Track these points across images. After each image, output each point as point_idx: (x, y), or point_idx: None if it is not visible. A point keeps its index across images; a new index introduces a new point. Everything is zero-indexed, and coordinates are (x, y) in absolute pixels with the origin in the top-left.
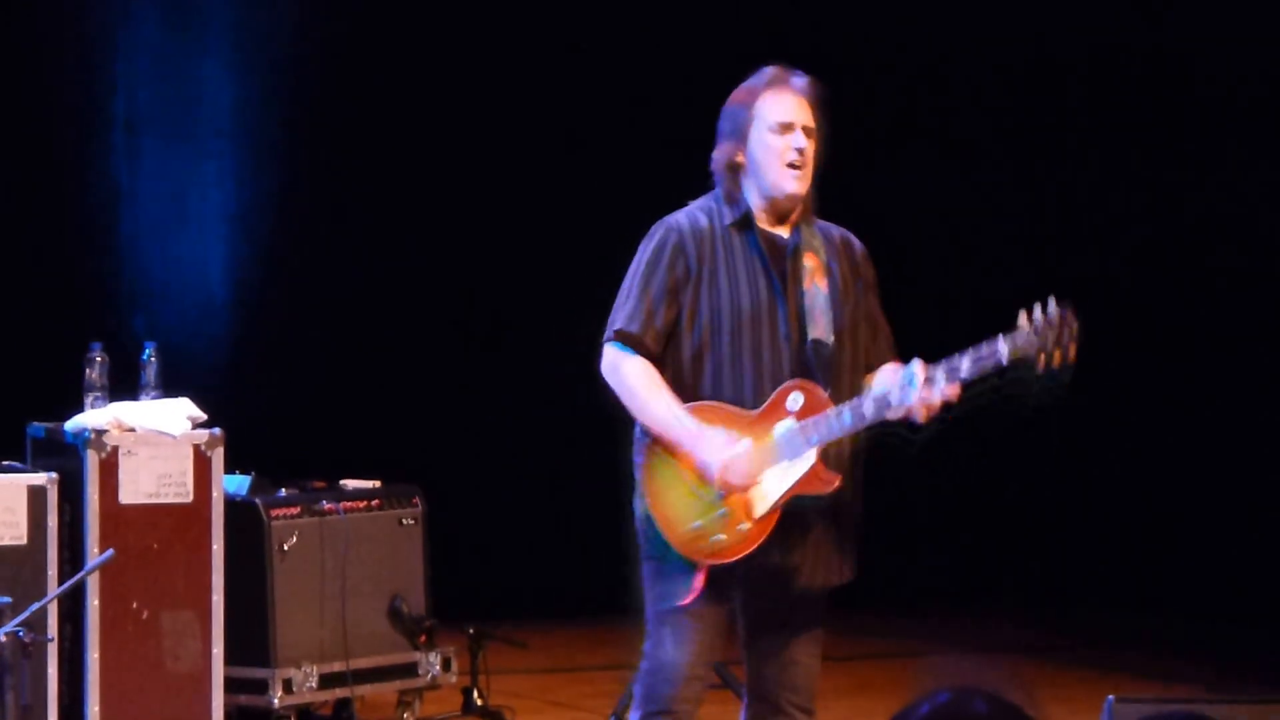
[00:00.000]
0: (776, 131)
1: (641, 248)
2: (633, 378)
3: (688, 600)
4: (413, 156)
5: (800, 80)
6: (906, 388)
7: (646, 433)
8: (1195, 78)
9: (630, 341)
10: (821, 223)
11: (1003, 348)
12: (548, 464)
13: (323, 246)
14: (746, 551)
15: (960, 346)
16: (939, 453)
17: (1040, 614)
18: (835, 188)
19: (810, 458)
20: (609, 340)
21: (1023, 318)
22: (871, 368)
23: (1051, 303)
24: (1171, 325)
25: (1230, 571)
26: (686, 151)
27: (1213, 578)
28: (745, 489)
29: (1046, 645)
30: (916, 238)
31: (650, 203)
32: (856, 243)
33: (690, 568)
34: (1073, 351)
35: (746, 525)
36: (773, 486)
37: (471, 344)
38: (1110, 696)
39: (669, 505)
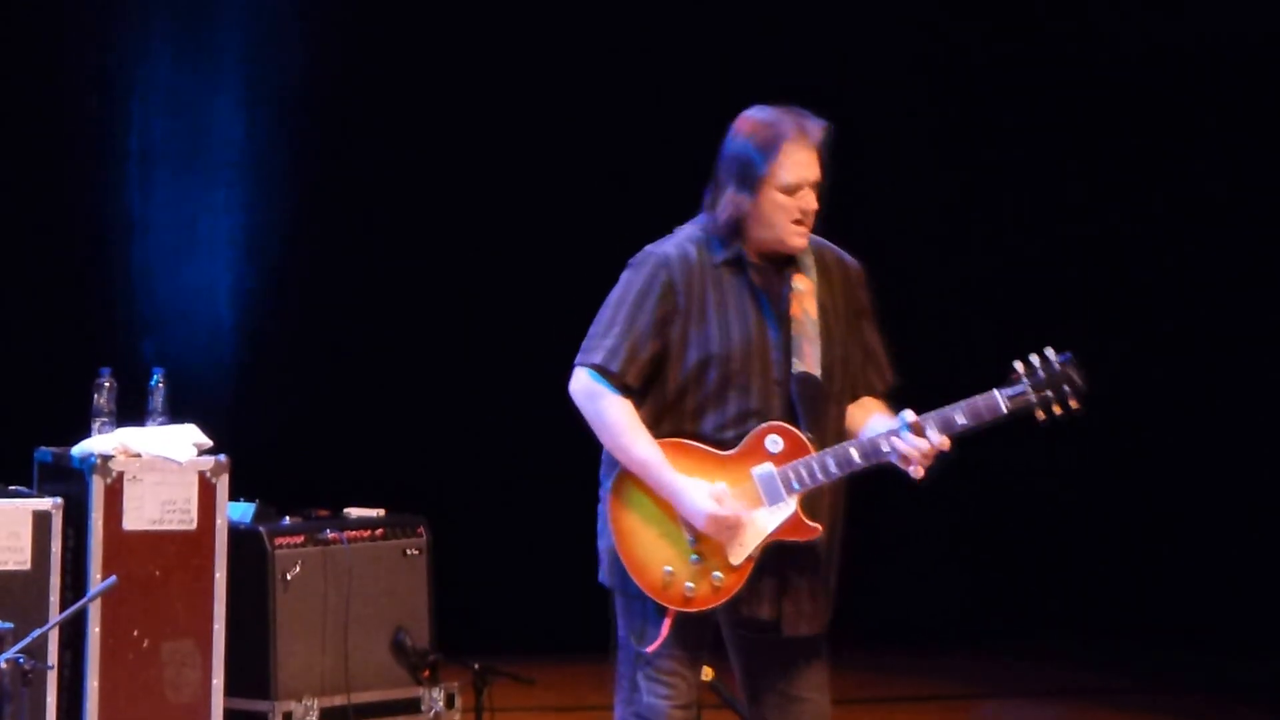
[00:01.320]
0: (789, 192)
1: (627, 277)
2: (611, 413)
3: (653, 647)
4: (419, 186)
5: (817, 133)
6: (896, 437)
7: (615, 467)
8: (1200, 75)
9: (611, 379)
10: (816, 239)
11: (1002, 401)
12: (556, 495)
13: (330, 274)
14: (719, 602)
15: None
16: (972, 483)
17: (1093, 652)
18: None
19: (791, 505)
20: (587, 368)
21: (1020, 368)
22: (858, 396)
23: (1050, 352)
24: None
25: None
26: (688, 155)
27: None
28: (727, 541)
29: (1101, 688)
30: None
31: (651, 211)
32: (852, 264)
33: (658, 611)
34: (1075, 404)
35: (721, 575)
36: (750, 534)
37: (481, 373)
38: None
39: (638, 546)
